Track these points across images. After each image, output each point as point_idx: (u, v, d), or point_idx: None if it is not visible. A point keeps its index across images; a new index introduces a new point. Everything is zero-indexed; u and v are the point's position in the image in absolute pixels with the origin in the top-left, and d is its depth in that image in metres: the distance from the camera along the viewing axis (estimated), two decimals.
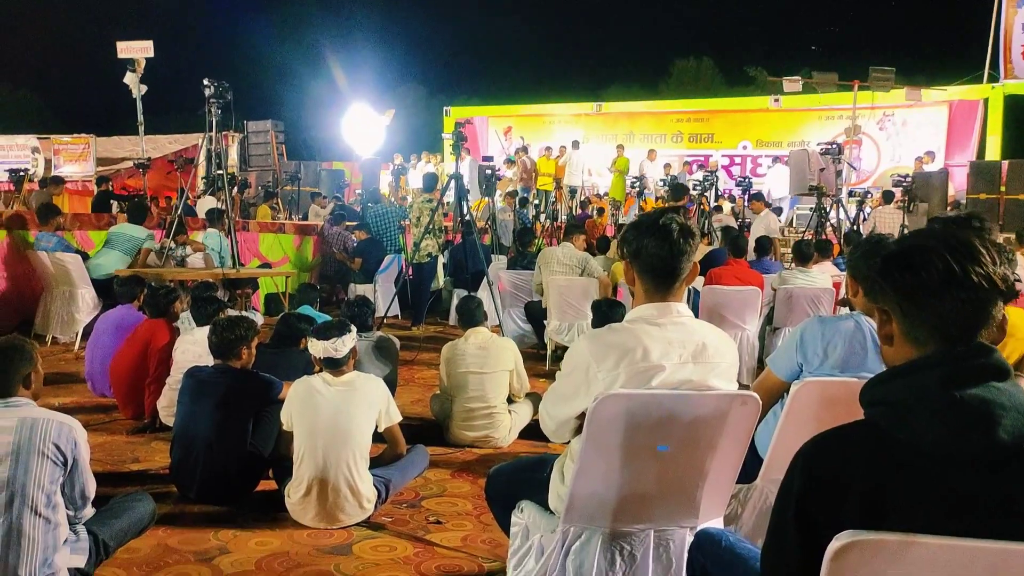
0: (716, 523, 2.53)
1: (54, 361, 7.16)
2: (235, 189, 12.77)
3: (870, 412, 1.44)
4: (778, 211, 16.28)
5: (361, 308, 5.56)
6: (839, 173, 12.03)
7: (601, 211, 16.32)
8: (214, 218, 9.32)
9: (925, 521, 1.32)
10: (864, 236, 10.76)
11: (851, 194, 14.61)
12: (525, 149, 19.93)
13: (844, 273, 6.50)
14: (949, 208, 12.93)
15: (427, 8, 49.36)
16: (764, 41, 41.06)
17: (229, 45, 42.15)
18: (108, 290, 7.69)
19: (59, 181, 12.67)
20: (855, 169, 17.51)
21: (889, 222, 12.55)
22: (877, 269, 1.47)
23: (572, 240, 8.13)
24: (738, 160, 21.41)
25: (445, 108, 24.94)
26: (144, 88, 14.24)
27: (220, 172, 9.19)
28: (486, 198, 11.94)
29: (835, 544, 1.33)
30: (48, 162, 17.40)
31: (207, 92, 8.09)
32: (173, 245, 8.63)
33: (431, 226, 9.26)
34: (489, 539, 3.69)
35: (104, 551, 3.00)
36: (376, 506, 3.88)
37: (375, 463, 3.97)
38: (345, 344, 3.88)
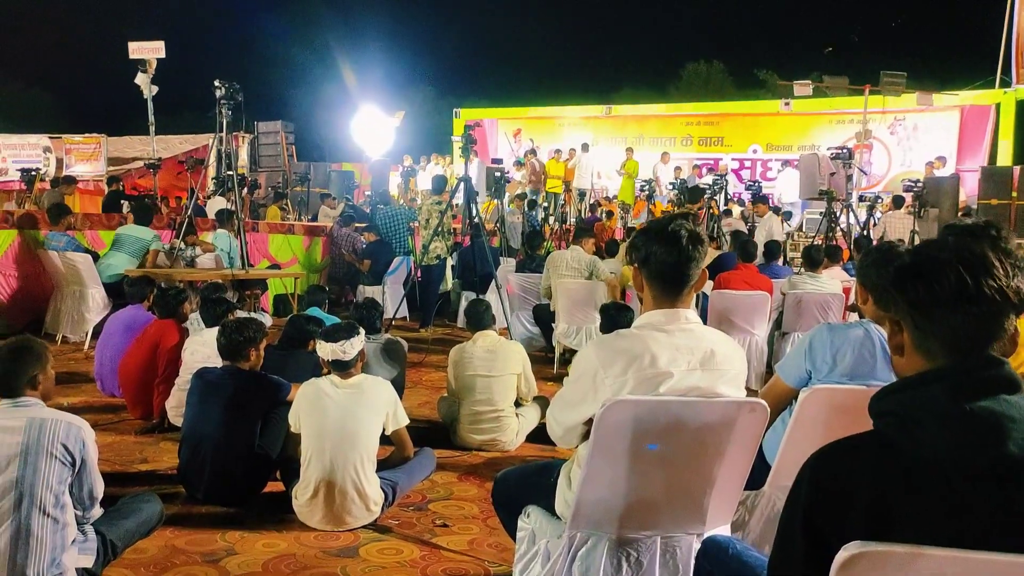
0: (723, 530, 2.52)
1: (64, 360, 7.19)
2: (245, 190, 12.80)
3: (879, 423, 1.44)
4: (788, 215, 16.26)
5: (369, 310, 5.57)
6: (849, 177, 11.99)
7: (610, 214, 16.30)
8: (224, 219, 9.35)
9: (933, 533, 1.32)
10: (874, 242, 10.77)
11: (861, 199, 14.56)
12: (534, 151, 19.94)
13: (854, 279, 6.48)
14: (960, 213, 12.86)
15: (437, 9, 49.51)
16: (774, 45, 40.99)
17: (240, 46, 42.37)
18: (117, 292, 7.73)
19: (71, 181, 12.73)
20: (865, 174, 17.45)
21: (899, 227, 12.50)
22: (890, 280, 1.46)
23: (581, 243, 8.13)
24: (748, 164, 21.36)
25: (455, 110, 24.99)
26: (155, 89, 14.32)
27: (230, 173, 9.20)
28: (495, 200, 11.94)
29: (842, 555, 1.32)
30: (60, 161, 17.50)
31: (218, 93, 8.12)
32: (183, 245, 8.66)
33: (440, 228, 9.26)
34: (496, 543, 3.69)
35: (112, 551, 3.01)
36: (383, 509, 3.88)
37: (382, 466, 3.97)
38: (353, 346, 3.88)
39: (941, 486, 1.33)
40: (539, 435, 5.14)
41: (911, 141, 19.68)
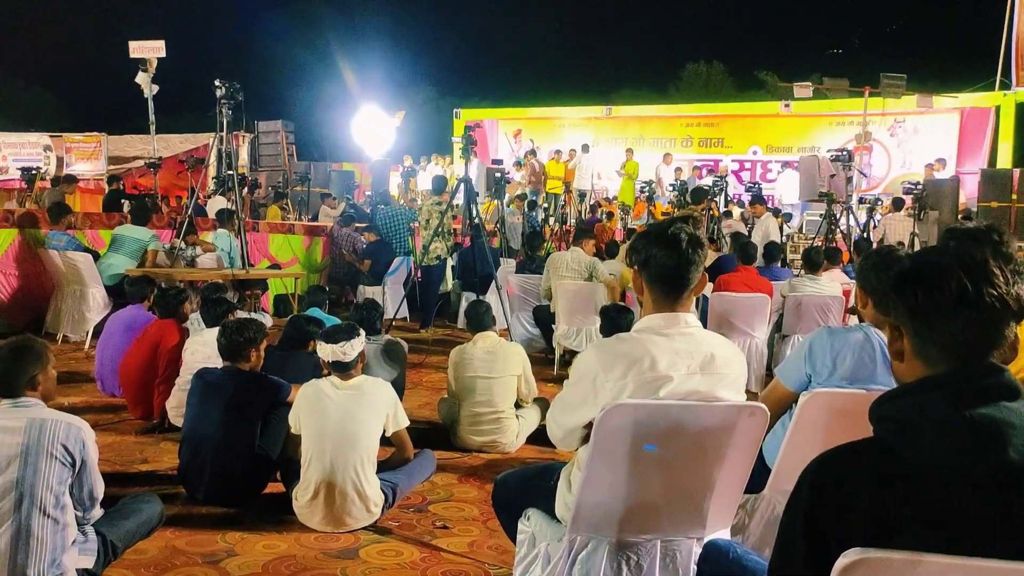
0: (723, 533, 2.52)
1: (64, 360, 7.19)
2: (245, 189, 12.80)
3: (879, 428, 1.44)
4: (788, 217, 16.26)
5: (370, 311, 5.57)
6: (849, 179, 11.98)
7: (610, 215, 16.30)
8: (224, 218, 9.34)
9: (933, 540, 1.32)
10: (874, 245, 10.78)
11: (861, 200, 14.56)
12: (534, 152, 19.94)
13: (853, 281, 6.48)
14: (960, 216, 12.87)
15: (438, 10, 49.52)
16: (775, 46, 41.06)
17: (240, 45, 42.39)
18: (117, 291, 7.73)
19: (72, 180, 12.72)
20: (865, 176, 17.45)
21: (899, 229, 12.50)
22: (890, 285, 1.47)
23: (582, 245, 8.14)
24: (748, 165, 21.37)
25: (455, 110, 25.00)
26: (156, 88, 14.31)
27: (231, 172, 9.20)
28: (495, 201, 11.94)
29: (842, 561, 1.32)
30: (60, 160, 17.49)
31: (219, 93, 8.12)
32: (183, 245, 8.65)
33: (440, 229, 9.27)
34: (496, 545, 3.69)
35: (112, 552, 3.02)
36: (383, 510, 3.89)
37: (382, 467, 3.98)
38: (354, 348, 3.89)
39: (941, 492, 1.34)
40: (539, 437, 5.14)
41: (911, 143, 19.69)
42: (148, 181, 14.49)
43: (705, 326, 2.47)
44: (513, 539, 2.79)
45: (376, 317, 5.60)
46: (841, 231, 11.82)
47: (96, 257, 8.24)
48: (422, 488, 4.33)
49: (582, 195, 18.30)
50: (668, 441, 2.30)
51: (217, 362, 4.40)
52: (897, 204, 13.36)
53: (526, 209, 15.20)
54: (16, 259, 8.41)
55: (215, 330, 4.62)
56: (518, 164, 19.48)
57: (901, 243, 11.27)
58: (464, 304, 9.00)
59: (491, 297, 8.05)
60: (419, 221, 10.47)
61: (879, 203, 14.64)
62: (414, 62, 42.77)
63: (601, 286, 7.63)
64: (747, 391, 2.51)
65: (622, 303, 7.10)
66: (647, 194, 14.02)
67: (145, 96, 14.36)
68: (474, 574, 3.46)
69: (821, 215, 12.10)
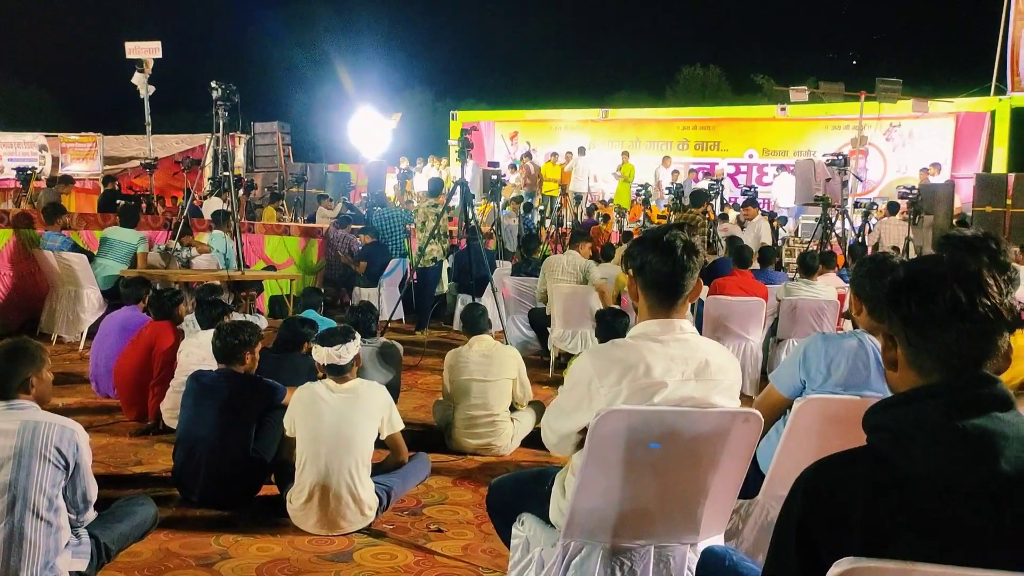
0: (717, 539, 2.53)
1: (59, 361, 7.17)
2: (241, 190, 12.79)
3: (873, 437, 1.45)
4: (784, 220, 16.29)
5: (365, 314, 5.56)
6: (845, 183, 12.02)
7: (606, 218, 16.30)
8: (220, 219, 9.33)
9: (926, 549, 1.33)
10: (869, 249, 10.79)
11: (856, 205, 14.60)
12: (530, 154, 19.94)
13: (848, 286, 6.49)
14: (955, 220, 12.90)
15: (434, 11, 49.50)
16: (771, 50, 41.12)
17: (237, 46, 42.36)
18: (111, 293, 7.71)
19: (68, 180, 12.68)
20: (861, 180, 17.48)
21: (894, 234, 12.53)
22: (884, 295, 1.47)
23: (578, 248, 8.14)
24: (744, 169, 21.39)
25: (452, 112, 25.03)
26: (152, 89, 14.28)
27: (226, 173, 9.20)
28: (491, 203, 11.94)
29: (835, 570, 1.32)
30: (55, 160, 17.48)
31: (214, 94, 8.12)
32: (179, 246, 8.64)
33: (436, 231, 9.26)
34: (490, 548, 3.69)
35: (106, 555, 3.01)
36: (377, 513, 3.89)
37: (377, 470, 3.98)
38: (349, 351, 3.88)
39: (934, 502, 1.34)
40: (534, 440, 5.13)
41: (906, 147, 19.73)
42: (144, 182, 14.49)
43: (700, 330, 2.48)
44: (507, 543, 2.79)
45: (372, 319, 5.59)
46: (836, 235, 11.85)
47: (91, 258, 8.23)
48: (416, 491, 4.32)
49: (578, 198, 18.30)
50: (662, 447, 2.31)
51: (212, 364, 4.40)
52: (892, 208, 13.39)
53: (522, 211, 15.19)
54: (11, 259, 8.39)
55: (210, 332, 4.61)
56: (514, 166, 19.48)
57: (896, 247, 11.30)
58: (460, 306, 9.01)
59: (487, 299, 8.05)
60: (415, 223, 10.47)
61: (874, 207, 14.69)
62: (411, 64, 42.78)
63: (594, 290, 7.64)
64: (742, 395, 2.52)
65: (617, 306, 7.10)
66: (643, 197, 14.04)
67: (141, 97, 14.33)
68: None
69: (817, 219, 12.12)
